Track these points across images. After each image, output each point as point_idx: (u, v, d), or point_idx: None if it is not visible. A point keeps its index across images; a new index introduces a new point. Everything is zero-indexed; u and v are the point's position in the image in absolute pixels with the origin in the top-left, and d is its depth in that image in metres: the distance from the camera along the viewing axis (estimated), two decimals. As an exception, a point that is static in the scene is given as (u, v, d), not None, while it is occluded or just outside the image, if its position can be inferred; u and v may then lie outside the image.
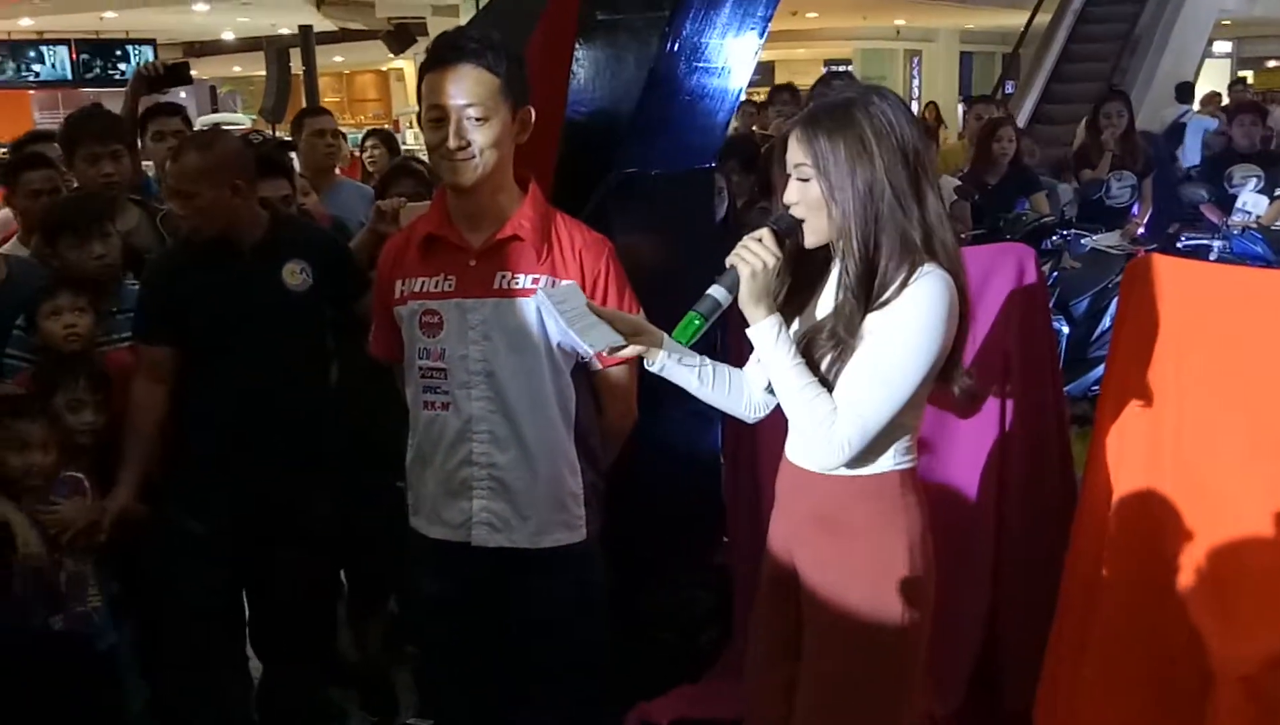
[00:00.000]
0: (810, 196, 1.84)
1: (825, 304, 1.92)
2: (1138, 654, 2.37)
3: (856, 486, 1.92)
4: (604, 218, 2.83)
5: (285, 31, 14.16)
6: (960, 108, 17.33)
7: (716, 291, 1.85)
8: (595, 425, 2.31)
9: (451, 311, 2.18)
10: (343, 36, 14.87)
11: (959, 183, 5.17)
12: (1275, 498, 2.26)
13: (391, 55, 14.06)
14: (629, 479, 2.56)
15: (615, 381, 2.30)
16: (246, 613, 2.99)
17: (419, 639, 2.64)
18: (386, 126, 13.12)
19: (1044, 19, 14.41)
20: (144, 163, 3.95)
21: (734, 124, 6.28)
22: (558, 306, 1.92)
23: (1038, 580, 2.65)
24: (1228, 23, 17.66)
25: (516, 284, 2.16)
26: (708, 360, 2.06)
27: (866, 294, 1.82)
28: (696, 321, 1.85)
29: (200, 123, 15.01)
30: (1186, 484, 2.36)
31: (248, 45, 16.88)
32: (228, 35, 17.21)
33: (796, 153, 1.85)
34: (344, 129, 14.54)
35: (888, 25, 20.21)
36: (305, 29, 11.87)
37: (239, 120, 17.24)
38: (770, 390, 2.03)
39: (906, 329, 1.80)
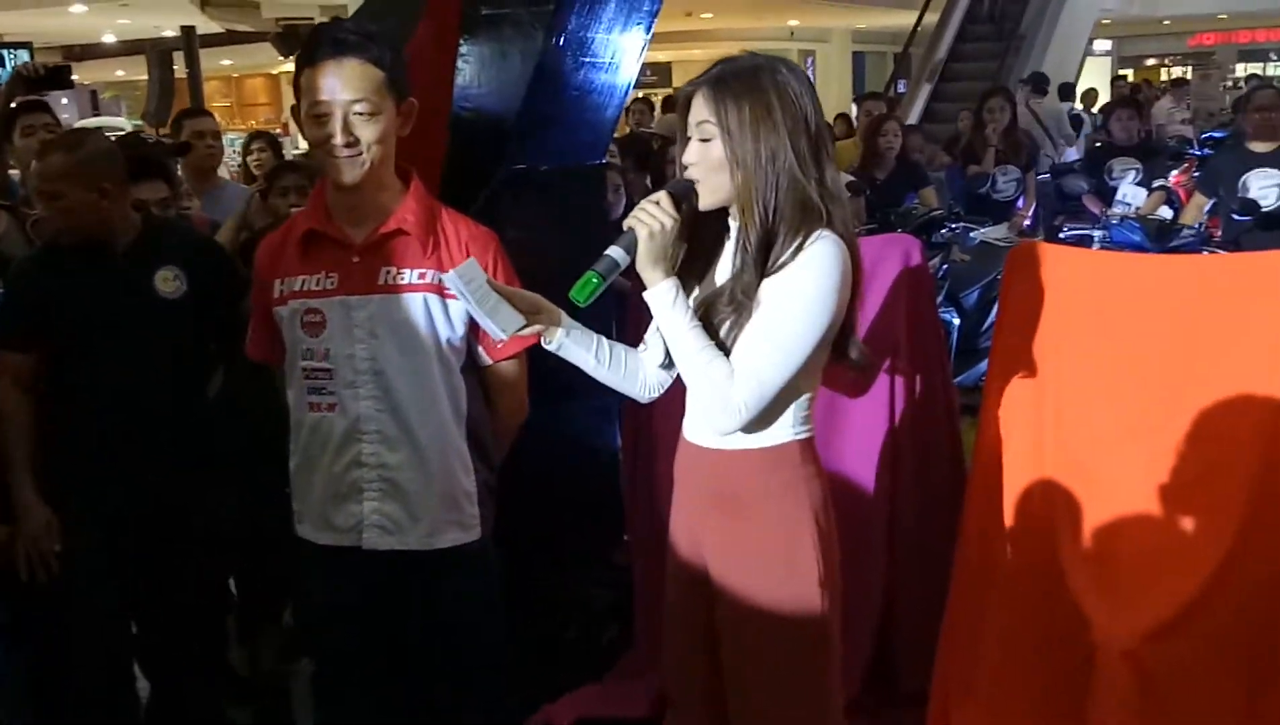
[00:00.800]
0: (711, 157, 1.82)
1: (723, 270, 1.92)
2: (1028, 634, 2.42)
3: (756, 459, 1.91)
4: (494, 213, 2.81)
5: (169, 33, 13.77)
6: (854, 108, 17.66)
7: (614, 251, 1.83)
8: (486, 421, 2.27)
9: (335, 310, 2.12)
10: (229, 39, 14.52)
11: (851, 179, 5.23)
12: (1149, 477, 2.32)
13: (281, 58, 13.75)
14: (527, 475, 2.54)
15: (506, 376, 2.27)
16: (133, 629, 2.88)
17: (315, 650, 2.57)
18: (275, 131, 12.85)
19: (933, 18, 14.74)
20: (10, 167, 3.80)
21: (626, 123, 6.33)
22: (466, 286, 1.87)
23: (931, 565, 2.69)
24: (1107, 22, 18.28)
25: (402, 279, 2.11)
26: (604, 339, 2.03)
27: (764, 259, 1.81)
28: (594, 280, 1.82)
29: (79, 126, 14.57)
30: (1068, 466, 2.41)
31: (130, 48, 16.37)
32: (109, 38, 16.68)
33: (700, 111, 1.83)
34: (234, 134, 14.22)
35: (782, 26, 20.46)
36: (188, 30, 11.55)
37: (121, 125, 16.74)
38: (665, 366, 2.03)
39: (801, 292, 1.80)
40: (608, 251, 1.84)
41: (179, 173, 3.80)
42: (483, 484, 2.24)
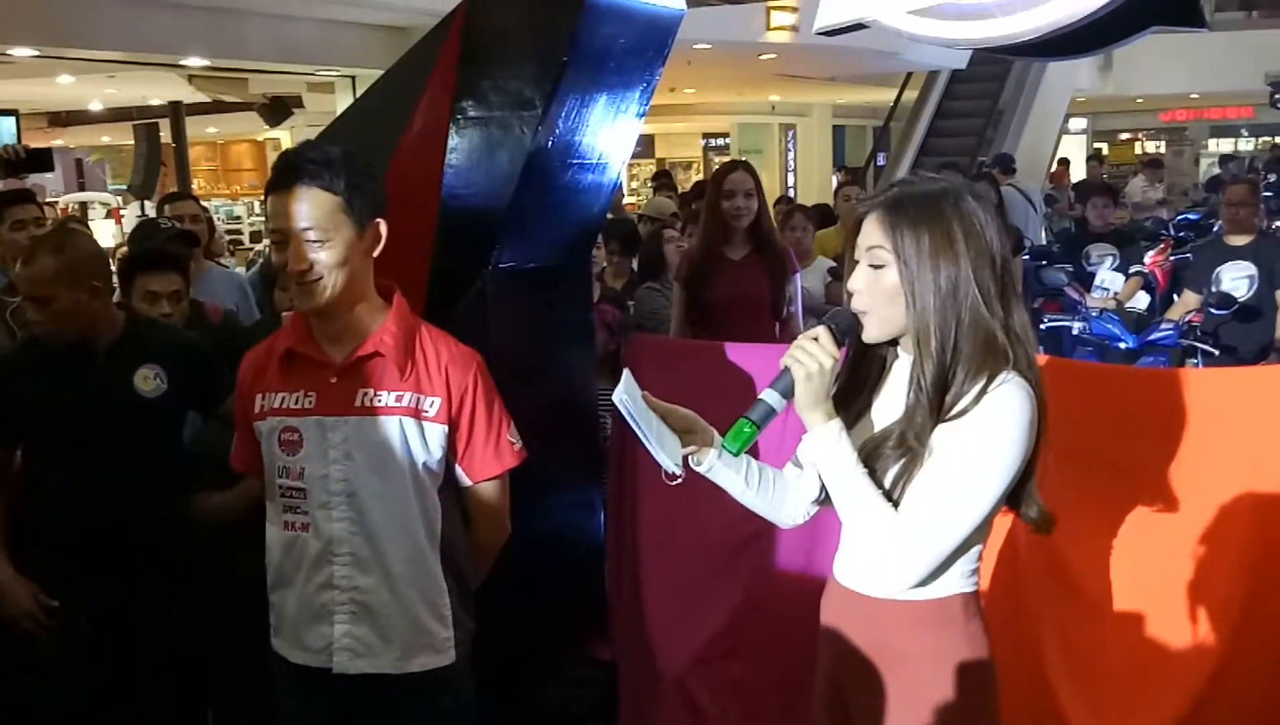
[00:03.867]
0: (882, 285, 1.69)
1: (885, 407, 1.78)
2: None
3: (916, 612, 1.74)
4: (481, 313, 2.81)
5: (156, 102, 13.86)
6: (834, 178, 17.87)
7: (769, 396, 1.70)
8: (463, 542, 2.23)
9: (312, 429, 2.09)
10: (216, 108, 14.60)
11: (833, 264, 5.28)
12: (1137, 589, 2.32)
13: (268, 126, 13.84)
14: (508, 572, 2.50)
15: (488, 498, 2.23)
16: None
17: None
18: (222, 203, 12.81)
19: (912, 94, 15.00)
20: None
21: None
22: (633, 409, 1.73)
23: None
24: (1082, 99, 18.60)
25: (379, 402, 2.08)
26: (753, 461, 1.89)
27: (940, 401, 1.66)
28: (747, 429, 1.70)
29: (65, 201, 14.60)
30: (1053, 579, 2.40)
31: (116, 115, 16.45)
32: (95, 106, 16.75)
33: (873, 235, 1.71)
34: (219, 200, 14.19)
35: (763, 100, 20.72)
36: (175, 105, 11.62)
37: (106, 198, 16.75)
38: (820, 501, 1.89)
39: (983, 444, 1.64)
40: (762, 396, 1.71)
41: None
42: (458, 606, 2.19)
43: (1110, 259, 6.06)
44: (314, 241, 1.99)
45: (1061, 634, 2.36)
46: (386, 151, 2.83)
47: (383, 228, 2.09)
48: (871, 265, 1.72)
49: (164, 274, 3.11)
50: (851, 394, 1.81)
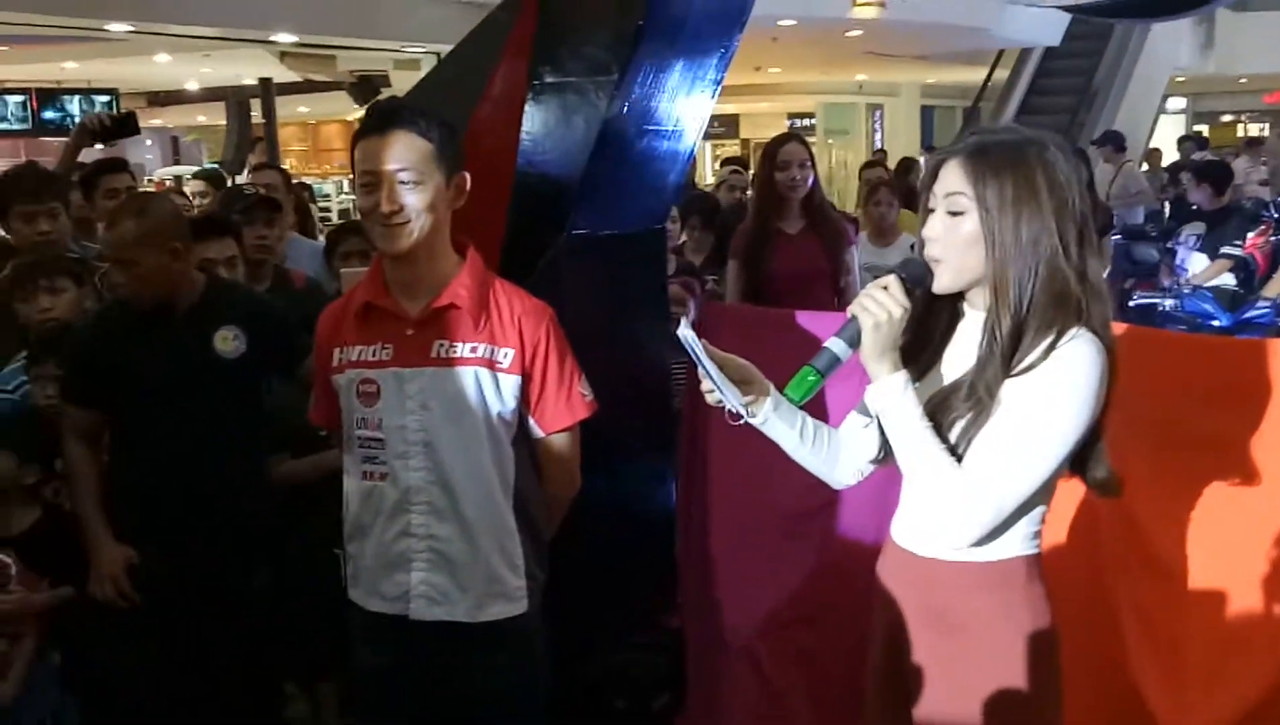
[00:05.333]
0: (960, 233, 1.65)
1: (953, 361, 1.74)
2: (1089, 719, 2.33)
3: (976, 574, 1.71)
4: (556, 278, 2.82)
5: (249, 82, 14.16)
6: (922, 159, 17.58)
7: (834, 344, 1.67)
8: (537, 494, 2.27)
9: (389, 381, 2.14)
10: (306, 87, 14.87)
11: (915, 241, 5.19)
12: (1216, 560, 2.25)
13: (357, 106, 14.05)
14: (579, 540, 2.52)
15: (558, 450, 2.27)
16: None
17: (364, 712, 2.57)
18: (313, 181, 13.00)
19: (1003, 74, 14.68)
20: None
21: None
22: (698, 351, 1.72)
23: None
24: (1182, 79, 18.04)
25: (454, 353, 2.12)
26: (808, 417, 1.87)
27: (1014, 353, 1.63)
28: (811, 377, 1.67)
29: (160, 174, 14.99)
30: (1131, 550, 2.34)
31: (211, 95, 16.84)
32: (191, 85, 17.17)
33: (952, 180, 1.66)
34: (309, 179, 14.46)
35: (850, 80, 20.47)
36: (265, 81, 11.87)
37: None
38: (878, 460, 1.86)
39: (1053, 398, 1.60)
40: (827, 344, 1.68)
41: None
42: (530, 557, 2.23)
43: (1194, 239, 5.85)
44: (406, 183, 2.04)
45: (1139, 608, 2.30)
46: (462, 120, 2.85)
47: (467, 182, 2.14)
48: (950, 211, 1.67)
49: (218, 240, 3.17)
50: (917, 349, 1.77)
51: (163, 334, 2.66)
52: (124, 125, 3.78)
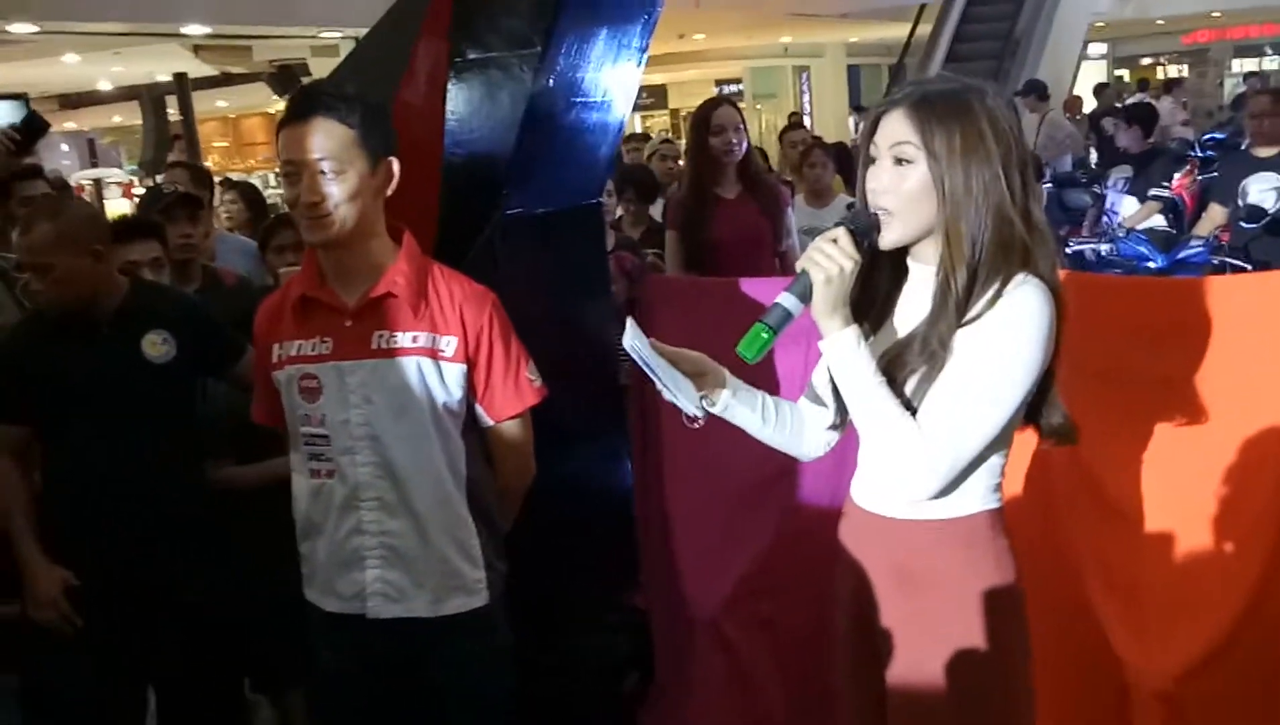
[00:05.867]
0: (909, 183, 1.62)
1: (904, 315, 1.72)
2: (1058, 675, 2.33)
3: (940, 531, 1.69)
4: (492, 260, 2.76)
5: (162, 78, 13.83)
6: (851, 120, 17.64)
7: (786, 299, 1.63)
8: (491, 484, 2.22)
9: (330, 375, 2.08)
10: (224, 81, 14.56)
11: (851, 200, 5.19)
12: (1176, 508, 2.26)
13: (277, 97, 13.79)
14: (536, 523, 2.48)
15: (509, 437, 2.22)
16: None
17: (323, 713, 2.52)
18: (239, 176, 12.77)
19: (926, 29, 14.73)
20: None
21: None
22: (644, 353, 1.68)
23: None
24: (1101, 24, 18.24)
25: (395, 343, 2.07)
26: (768, 397, 1.85)
27: (965, 303, 1.62)
28: (764, 334, 1.62)
29: (78, 178, 14.63)
30: (1091, 499, 2.35)
31: (125, 94, 16.44)
32: (104, 85, 16.73)
33: (898, 130, 1.62)
34: (233, 174, 14.22)
35: (774, 43, 20.47)
36: (180, 76, 11.58)
37: (119, 175, 16.76)
38: (835, 426, 1.85)
39: (1003, 345, 1.59)
40: (778, 300, 1.63)
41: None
42: (488, 548, 2.18)
43: (1121, 182, 5.91)
44: (327, 174, 1.97)
45: (1098, 553, 2.31)
46: (385, 103, 2.77)
47: (395, 166, 2.07)
48: (898, 160, 1.63)
49: (142, 242, 3.06)
50: (865, 305, 1.73)
51: (88, 341, 2.57)
52: (33, 128, 3.61)
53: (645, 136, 9.36)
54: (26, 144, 3.63)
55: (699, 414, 1.75)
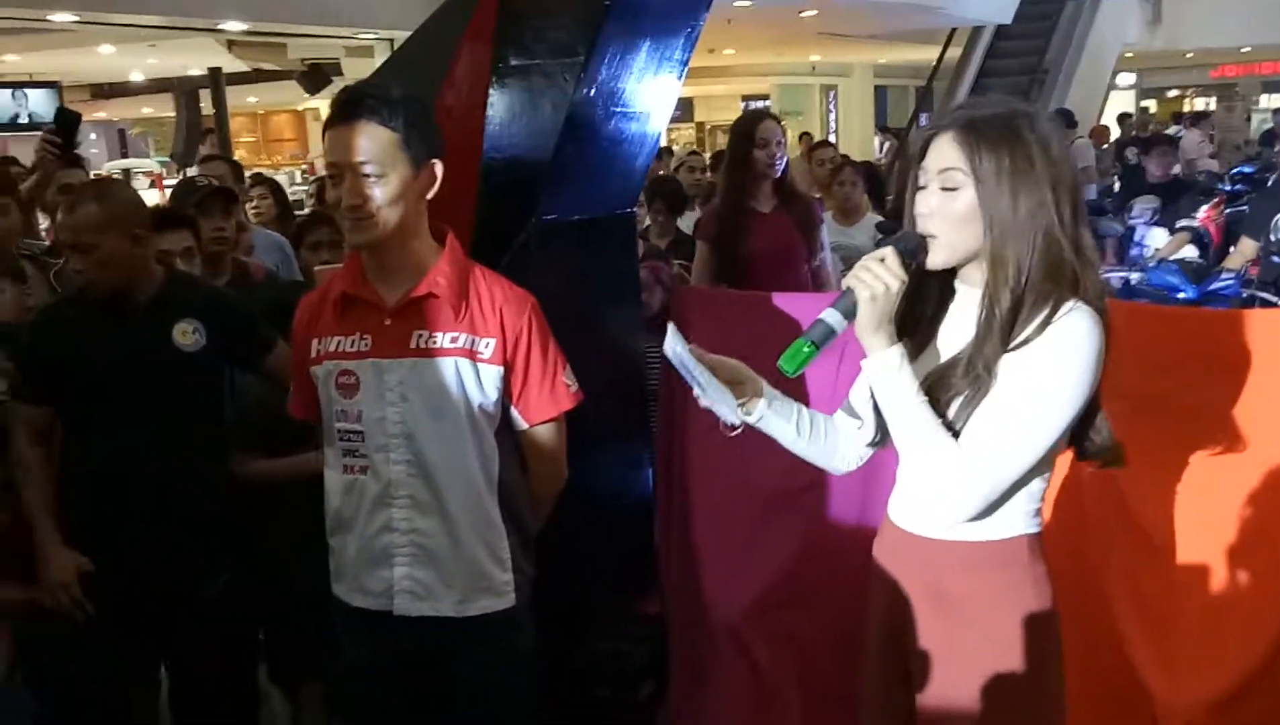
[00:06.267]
0: (955, 208, 1.63)
1: (949, 338, 1.72)
2: (1085, 705, 2.32)
3: (976, 553, 1.68)
4: (524, 266, 2.77)
5: (195, 72, 13.91)
6: (876, 140, 17.64)
7: (830, 316, 1.64)
8: (522, 487, 2.22)
9: (368, 372, 2.09)
10: (256, 77, 14.63)
11: (881, 220, 5.20)
12: (1208, 538, 2.25)
13: (307, 95, 13.86)
14: (558, 528, 2.49)
15: (544, 442, 2.22)
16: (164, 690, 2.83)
17: (347, 710, 2.53)
18: (302, 167, 12.82)
19: (955, 53, 14.74)
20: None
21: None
22: (687, 365, 1.69)
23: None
24: (1130, 55, 18.22)
25: (434, 343, 2.07)
26: (804, 408, 1.85)
27: (1011, 327, 1.61)
28: (806, 349, 1.62)
29: (107, 168, 14.73)
30: (1122, 527, 2.34)
31: (157, 86, 16.54)
32: (136, 76, 16.84)
33: (947, 156, 1.63)
34: (261, 169, 14.29)
35: (803, 61, 20.49)
36: (215, 71, 11.66)
37: (149, 165, 16.87)
38: (875, 443, 1.84)
39: (1050, 372, 1.59)
40: (822, 316, 1.64)
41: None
42: (517, 551, 2.18)
43: (1149, 213, 5.89)
44: (370, 176, 1.98)
45: (1129, 582, 2.30)
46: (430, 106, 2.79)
47: (438, 169, 2.07)
48: (945, 187, 1.64)
49: (174, 232, 3.09)
50: (910, 326, 1.74)
51: (121, 326, 2.58)
52: (68, 125, 3.60)
53: (668, 150, 9.38)
54: (67, 141, 3.63)
55: (737, 422, 1.76)
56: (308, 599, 2.51)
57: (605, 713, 3.06)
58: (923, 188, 1.68)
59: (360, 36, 10.98)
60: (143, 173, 15.57)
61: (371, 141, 1.98)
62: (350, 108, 2.00)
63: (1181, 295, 4.81)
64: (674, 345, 1.70)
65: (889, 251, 1.64)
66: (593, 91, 2.80)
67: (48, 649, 2.70)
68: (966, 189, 1.62)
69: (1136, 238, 5.67)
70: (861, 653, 1.91)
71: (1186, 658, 2.20)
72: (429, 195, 2.08)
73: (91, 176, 4.04)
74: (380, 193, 1.99)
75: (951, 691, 1.71)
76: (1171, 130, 11.94)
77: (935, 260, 1.68)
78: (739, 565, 2.91)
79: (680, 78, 3.10)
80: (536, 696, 2.29)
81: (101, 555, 2.57)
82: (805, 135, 14.73)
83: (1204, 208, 7.05)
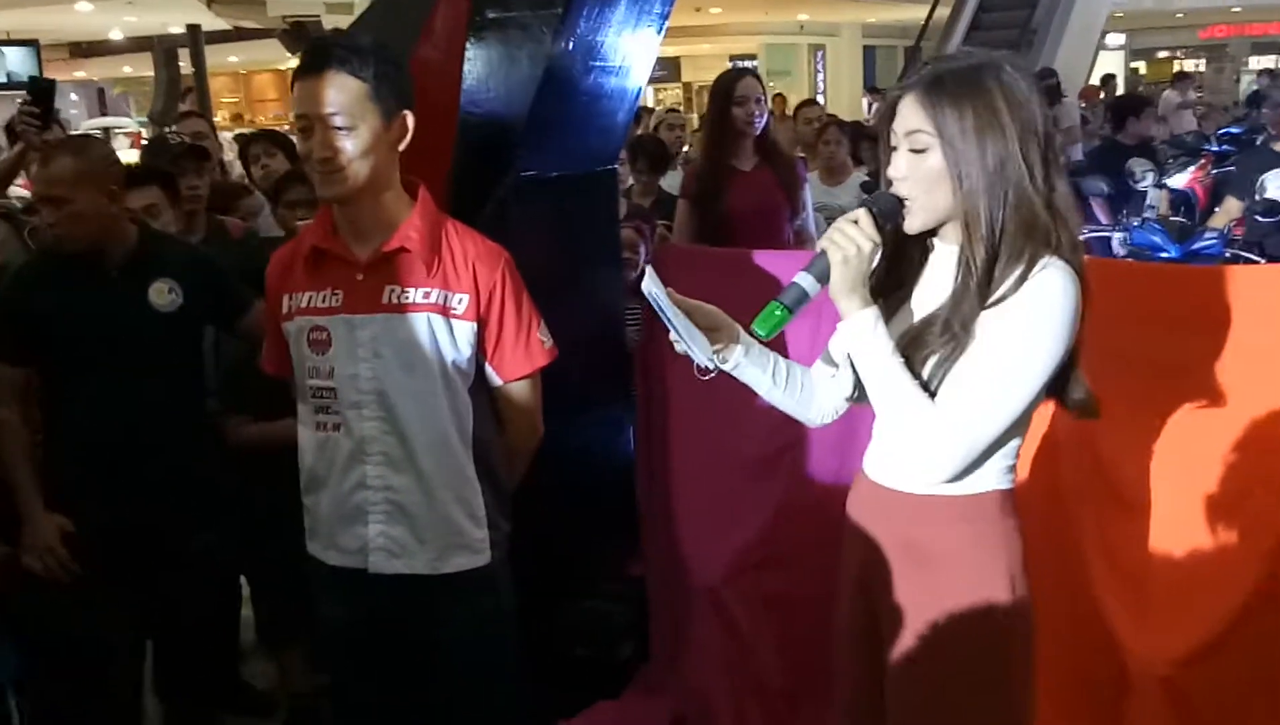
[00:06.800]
0: (925, 170, 1.60)
1: (922, 301, 1.71)
2: (1060, 660, 2.33)
3: (950, 507, 1.68)
4: (503, 221, 2.74)
5: (176, 30, 13.74)
6: (865, 100, 17.55)
7: (803, 279, 1.62)
8: (497, 443, 2.20)
9: (339, 328, 2.06)
10: (236, 36, 14.46)
11: (867, 179, 5.16)
12: (1182, 493, 2.25)
13: (288, 54, 13.71)
14: (538, 490, 2.48)
15: (519, 398, 2.20)
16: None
17: (324, 667, 2.53)
18: (283, 129, 12.68)
19: (944, 12, 14.64)
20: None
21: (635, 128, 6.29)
22: (663, 306, 1.68)
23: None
24: (1120, 15, 18.13)
25: (406, 298, 2.04)
26: (779, 358, 1.84)
27: (988, 285, 1.59)
28: (779, 312, 1.62)
29: (86, 126, 14.58)
30: (1095, 482, 2.34)
31: (137, 45, 16.34)
32: (115, 35, 16.63)
33: (913, 118, 1.60)
34: (245, 131, 14.19)
35: (791, 20, 20.36)
36: (194, 29, 11.50)
37: (128, 124, 16.69)
38: (854, 398, 1.83)
39: (1026, 329, 1.57)
40: (796, 279, 1.63)
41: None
42: (492, 508, 2.17)
43: (1151, 175, 5.88)
44: (339, 128, 1.95)
45: (1103, 537, 2.30)
46: (403, 55, 2.74)
47: (409, 120, 2.03)
48: (912, 150, 1.62)
49: (141, 189, 3.05)
50: (890, 287, 1.73)
51: (96, 285, 2.56)
52: (44, 95, 3.51)
53: (647, 109, 9.28)
54: (46, 112, 3.54)
55: (711, 366, 1.75)
56: (294, 560, 2.50)
57: (585, 673, 3.06)
58: (894, 150, 1.66)
59: (340, -9, 10.86)
60: (122, 133, 15.42)
61: (340, 92, 1.94)
62: (318, 58, 1.95)
63: (1164, 255, 4.80)
64: (650, 286, 1.69)
65: (862, 213, 1.63)
66: (571, 45, 2.76)
67: (31, 607, 2.68)
68: (934, 150, 1.60)
69: (1149, 201, 5.65)
70: (835, 609, 1.90)
71: (1161, 612, 2.21)
72: (400, 147, 2.04)
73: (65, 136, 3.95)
74: (350, 145, 1.96)
75: (920, 644, 1.71)
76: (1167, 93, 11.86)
77: (912, 224, 1.66)
78: (718, 526, 2.91)
79: (660, 32, 3.05)
80: (516, 655, 2.29)
81: (84, 515, 2.56)
82: (779, 96, 14.60)
83: (1190, 169, 7.04)
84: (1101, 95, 13.52)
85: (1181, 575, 2.22)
